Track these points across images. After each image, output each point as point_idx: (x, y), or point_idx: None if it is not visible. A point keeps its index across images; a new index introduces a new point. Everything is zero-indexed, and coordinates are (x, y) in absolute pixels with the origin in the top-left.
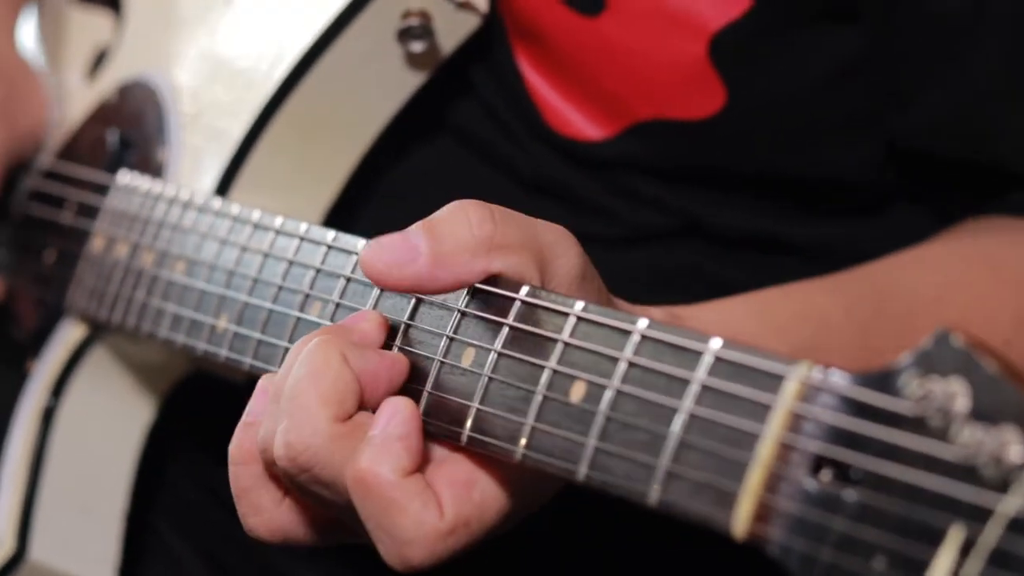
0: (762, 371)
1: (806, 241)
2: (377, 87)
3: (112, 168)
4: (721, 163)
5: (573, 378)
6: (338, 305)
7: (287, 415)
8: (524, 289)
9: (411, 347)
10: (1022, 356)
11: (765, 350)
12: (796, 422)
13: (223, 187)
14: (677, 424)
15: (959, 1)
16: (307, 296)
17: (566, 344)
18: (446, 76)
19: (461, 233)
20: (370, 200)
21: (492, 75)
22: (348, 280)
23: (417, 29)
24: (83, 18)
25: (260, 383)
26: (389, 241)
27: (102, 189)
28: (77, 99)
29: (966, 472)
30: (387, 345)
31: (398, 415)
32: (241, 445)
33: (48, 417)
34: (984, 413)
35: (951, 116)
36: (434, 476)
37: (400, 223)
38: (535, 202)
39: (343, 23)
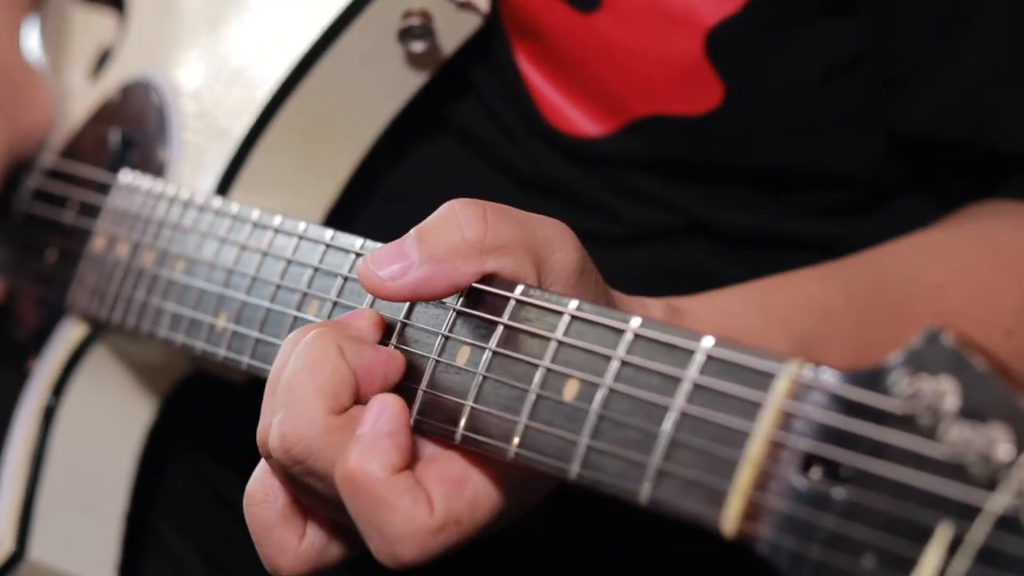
0: (753, 369)
1: (807, 238)
2: (378, 87)
3: (114, 167)
4: (721, 159)
5: (566, 377)
6: (335, 304)
7: (283, 407)
8: (519, 288)
9: (407, 346)
10: None
11: (757, 348)
12: (786, 420)
13: (224, 186)
14: (668, 422)
15: None
16: (305, 295)
17: (560, 343)
18: (447, 76)
19: (452, 238)
20: (371, 200)
21: (492, 74)
22: (345, 279)
23: (418, 29)
24: (87, 18)
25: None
26: (383, 253)
27: (104, 188)
28: (80, 99)
29: (954, 470)
30: (383, 343)
31: (386, 412)
32: (261, 481)
33: (49, 416)
34: (973, 411)
35: (951, 101)
36: (425, 473)
37: (401, 223)
38: (535, 201)
39: (344, 23)
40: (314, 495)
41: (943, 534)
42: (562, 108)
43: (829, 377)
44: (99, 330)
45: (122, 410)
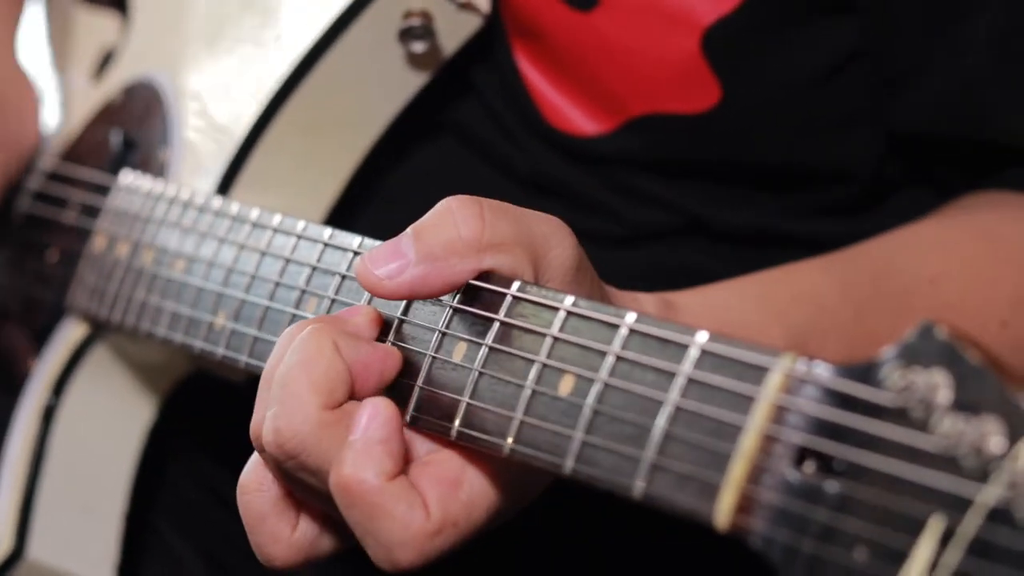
0: (746, 363)
1: (807, 237)
2: (379, 87)
3: (115, 168)
4: (719, 157)
5: (562, 372)
6: (333, 301)
7: (277, 402)
8: (515, 284)
9: (404, 342)
10: (1020, 337)
11: (751, 342)
12: (779, 414)
13: (224, 187)
14: (663, 417)
15: None
16: (303, 293)
17: (555, 339)
18: (447, 77)
19: (449, 236)
20: (371, 200)
21: (492, 74)
22: (343, 277)
23: (418, 29)
24: (90, 20)
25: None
26: (380, 251)
27: (104, 189)
28: (82, 100)
29: (946, 462)
30: (381, 340)
31: (378, 418)
32: (255, 471)
33: (48, 416)
34: (966, 404)
35: (949, 98)
36: (420, 476)
37: (401, 223)
38: (535, 201)
39: (345, 23)
40: (307, 490)
41: (935, 526)
42: (561, 107)
43: (822, 371)
44: (99, 330)
45: (122, 410)
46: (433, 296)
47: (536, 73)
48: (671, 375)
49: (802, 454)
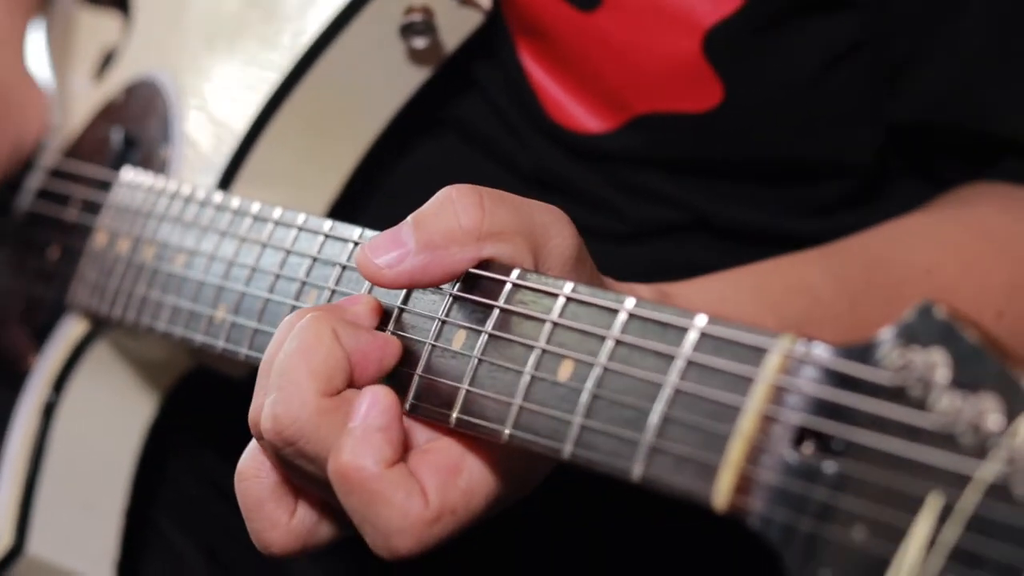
0: (746, 345)
1: (810, 234)
2: (380, 83)
3: (116, 166)
4: (723, 155)
5: (561, 357)
6: (333, 292)
7: (276, 388)
8: (514, 272)
9: (404, 331)
10: (1015, 326)
11: (750, 324)
12: (778, 395)
13: (225, 182)
14: (661, 400)
15: None
16: (303, 284)
17: (555, 324)
18: (449, 72)
19: (449, 224)
20: (374, 195)
21: (495, 70)
22: (343, 268)
23: (420, 25)
24: (91, 20)
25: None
26: (380, 240)
27: (105, 185)
28: (84, 99)
29: (945, 440)
30: (381, 329)
31: (377, 405)
32: (253, 457)
33: (49, 412)
34: (964, 382)
35: (946, 87)
36: (419, 464)
37: (403, 218)
38: (538, 197)
39: (346, 19)
40: (305, 477)
41: (933, 503)
42: (565, 104)
43: (821, 351)
44: (100, 326)
45: (122, 406)
46: (433, 285)
47: (540, 70)
48: (670, 358)
49: (801, 434)
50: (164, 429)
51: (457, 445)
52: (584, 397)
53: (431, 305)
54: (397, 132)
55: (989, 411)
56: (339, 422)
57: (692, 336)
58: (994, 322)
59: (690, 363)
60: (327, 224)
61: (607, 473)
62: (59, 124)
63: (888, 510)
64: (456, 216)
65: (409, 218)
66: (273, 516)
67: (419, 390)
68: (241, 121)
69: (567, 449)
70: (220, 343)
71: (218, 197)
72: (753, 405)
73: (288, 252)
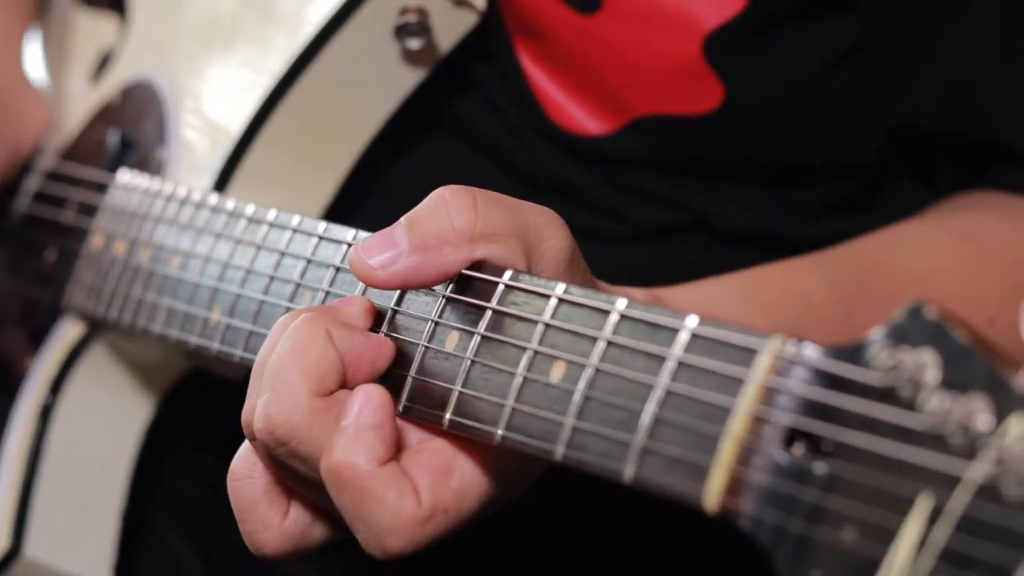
0: (736, 346)
1: (810, 237)
2: (375, 84)
3: (113, 168)
4: (723, 157)
5: (553, 359)
6: (327, 294)
7: (269, 389)
8: (507, 273)
9: (397, 333)
10: (1006, 334)
11: (740, 325)
12: (769, 395)
13: (221, 184)
14: (653, 401)
15: None
16: (298, 286)
17: (547, 325)
18: (447, 72)
19: (442, 225)
20: (370, 196)
21: (495, 71)
22: (337, 269)
23: (414, 26)
24: (88, 22)
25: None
26: (373, 241)
27: (102, 188)
28: (81, 101)
29: (934, 440)
30: (374, 331)
31: (370, 404)
32: (246, 457)
33: (46, 415)
34: (954, 383)
35: (946, 92)
36: (411, 463)
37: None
38: (537, 198)
39: (340, 20)
40: (298, 478)
41: (923, 504)
42: (565, 106)
43: (811, 352)
44: (96, 329)
45: (119, 409)
46: (426, 286)
47: (539, 72)
48: (661, 359)
49: (791, 435)
50: (161, 431)
51: (449, 446)
52: (576, 398)
53: (424, 306)
54: (395, 132)
55: (978, 411)
56: (331, 422)
57: (683, 337)
58: (984, 329)
59: (681, 364)
60: (321, 226)
61: (599, 474)
62: (56, 127)
63: (878, 511)
64: (449, 217)
65: (403, 219)
66: (266, 517)
67: (412, 391)
68: (237, 123)
69: (559, 451)
70: (215, 345)
71: (213, 199)
72: (743, 406)
73: (283, 254)
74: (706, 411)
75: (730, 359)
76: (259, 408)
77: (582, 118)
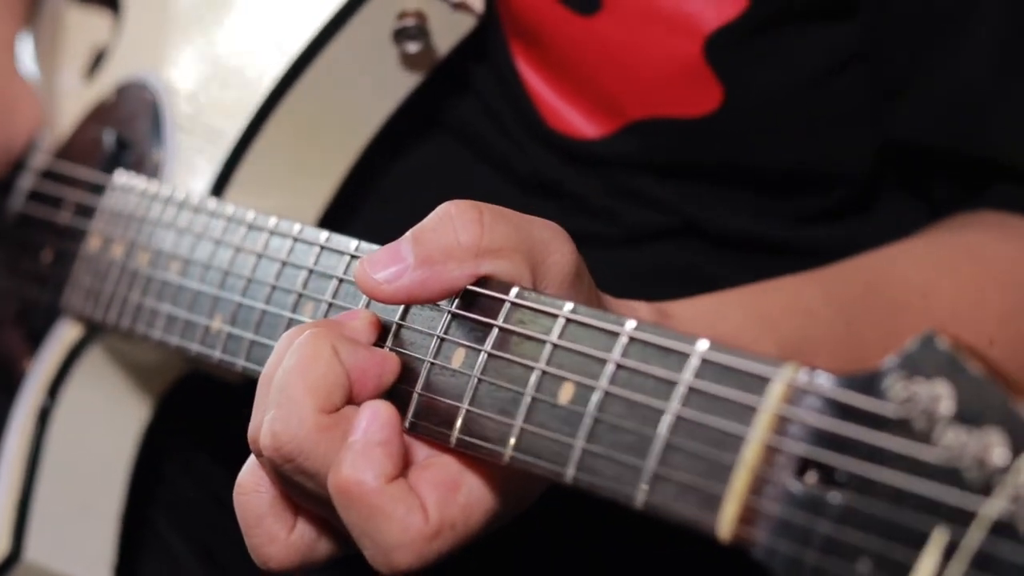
0: (748, 373)
1: (804, 242)
2: (373, 87)
3: (109, 168)
4: (719, 160)
5: (562, 379)
6: (331, 305)
7: (275, 405)
8: (513, 291)
9: (402, 347)
10: (1007, 354)
11: (752, 352)
12: (781, 424)
13: (219, 188)
14: (663, 426)
15: None
16: (300, 296)
17: (555, 346)
18: (443, 75)
19: (447, 241)
20: (367, 199)
21: (490, 74)
22: (340, 281)
23: (412, 30)
24: (81, 18)
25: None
26: (379, 256)
27: (99, 189)
28: (74, 99)
29: (949, 474)
30: (379, 345)
31: (377, 420)
32: (253, 472)
33: (44, 417)
34: (968, 415)
35: (945, 108)
36: (418, 479)
37: (397, 222)
38: (532, 201)
39: (338, 23)
40: (305, 494)
41: (939, 539)
42: (560, 109)
43: (824, 381)
44: (94, 331)
45: (118, 410)
46: (431, 301)
47: (535, 75)
48: (672, 384)
49: (804, 465)
50: (160, 432)
51: (456, 462)
52: (586, 420)
53: (429, 322)
54: (393, 135)
55: (994, 446)
56: (338, 439)
57: (694, 362)
58: (987, 349)
59: (692, 390)
60: (323, 235)
61: (610, 498)
62: (49, 124)
63: (893, 544)
64: (455, 232)
65: (408, 233)
66: (272, 531)
67: (418, 408)
68: (234, 125)
69: (570, 473)
70: (217, 354)
71: (212, 204)
72: (757, 435)
73: (284, 263)
74: (718, 438)
75: (742, 386)
76: (265, 425)
77: (577, 121)
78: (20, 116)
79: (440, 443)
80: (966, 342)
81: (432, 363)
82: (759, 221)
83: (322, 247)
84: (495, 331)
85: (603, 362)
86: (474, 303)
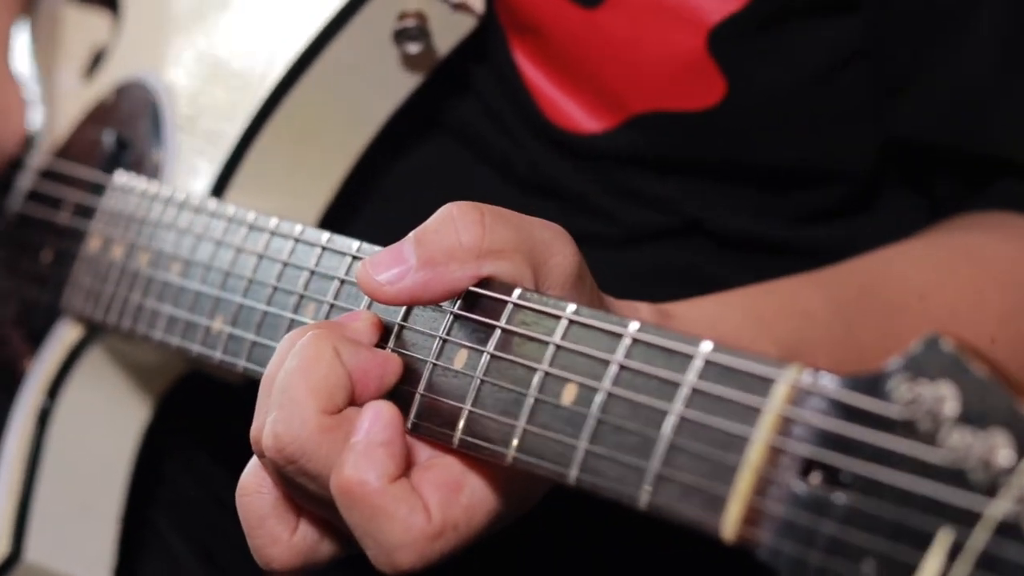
0: (752, 374)
1: (805, 242)
2: (373, 88)
3: (108, 168)
4: (721, 155)
5: (565, 380)
6: (332, 306)
7: (277, 407)
8: (516, 292)
9: (404, 348)
10: (1008, 354)
11: (755, 353)
12: (786, 425)
13: (219, 188)
14: (667, 427)
15: None
16: (301, 297)
17: (558, 347)
18: (443, 76)
19: (449, 242)
20: (367, 200)
21: (489, 72)
22: (342, 282)
23: (413, 30)
24: (80, 18)
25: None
26: (381, 257)
27: (98, 189)
28: (73, 99)
29: (954, 476)
30: (381, 346)
31: (379, 420)
32: (255, 473)
33: (44, 418)
34: (973, 417)
35: (945, 104)
36: (421, 480)
37: (397, 223)
38: (532, 201)
39: (339, 24)
40: (307, 495)
41: (943, 540)
42: (561, 104)
43: (828, 382)
44: (94, 331)
45: (118, 411)
46: (434, 302)
47: (535, 70)
48: (675, 385)
49: (808, 466)
50: (160, 432)
51: (458, 462)
52: (589, 422)
53: (431, 323)
54: (391, 135)
55: (999, 447)
56: (340, 440)
57: (697, 364)
58: (987, 349)
59: (695, 391)
60: (324, 236)
61: (613, 499)
62: (45, 125)
63: (898, 545)
64: (457, 233)
65: (411, 235)
66: (274, 532)
67: (421, 409)
68: (234, 126)
69: (572, 474)
70: (218, 354)
71: (212, 204)
72: (761, 435)
73: (285, 264)
74: (722, 439)
75: (746, 387)
76: (267, 426)
77: (579, 116)
78: (11, 116)
79: (442, 444)
80: (970, 344)
81: (434, 364)
82: (760, 220)
83: (323, 248)
84: (497, 332)
85: (606, 363)
86: (476, 304)
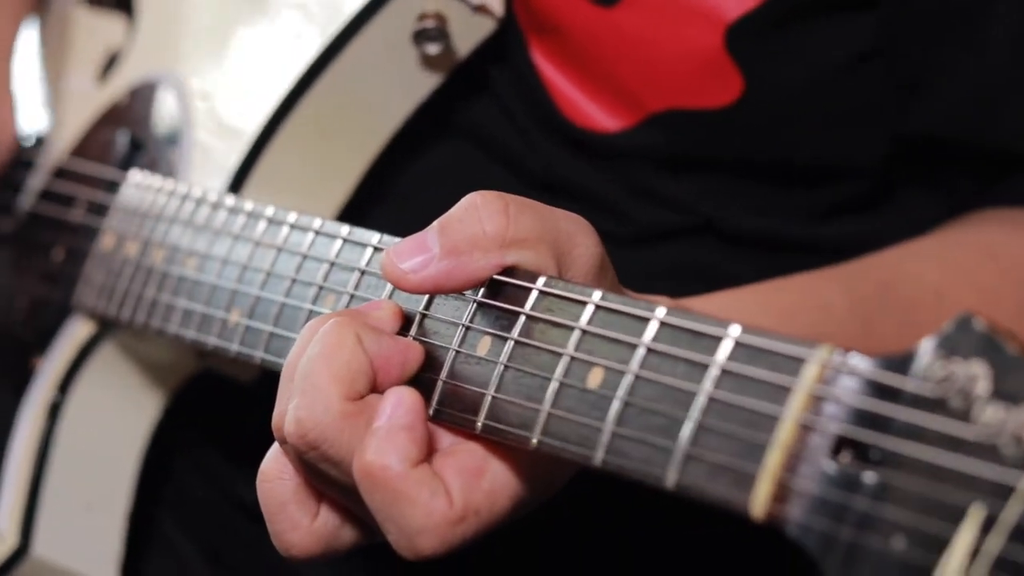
0: (782, 354)
1: (820, 240)
2: (392, 89)
3: (122, 168)
4: (737, 153)
5: (591, 365)
6: (352, 297)
7: (299, 393)
8: (541, 279)
9: (426, 336)
10: None
11: (785, 335)
12: (816, 404)
13: (235, 187)
14: (696, 408)
15: None
16: (321, 289)
17: (584, 332)
18: (461, 77)
19: (473, 231)
20: (381, 200)
21: (507, 71)
22: (363, 273)
23: (433, 31)
24: (93, 21)
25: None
26: (405, 245)
27: (112, 187)
28: (87, 101)
29: (987, 451)
30: (403, 334)
31: (402, 405)
32: (276, 459)
33: (54, 413)
34: (1005, 393)
35: (962, 101)
36: (443, 465)
37: (412, 223)
38: (547, 201)
39: (359, 24)
40: (329, 482)
41: (976, 514)
42: (579, 103)
43: (859, 361)
44: (106, 328)
45: (128, 408)
46: (457, 291)
47: (553, 69)
48: (704, 367)
49: (839, 444)
50: (169, 430)
51: (480, 448)
52: (615, 404)
53: (454, 311)
54: (409, 136)
55: None
56: (362, 426)
57: (727, 345)
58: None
59: (724, 372)
60: (344, 229)
61: (640, 480)
62: (53, 125)
63: (930, 520)
64: (481, 222)
65: (435, 223)
66: (295, 518)
67: (443, 395)
68: (251, 125)
69: (598, 456)
70: (234, 346)
71: (230, 200)
72: (791, 414)
73: (304, 256)
74: (752, 418)
75: (776, 367)
76: (290, 412)
77: (597, 115)
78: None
79: (465, 430)
80: (1002, 323)
81: (457, 351)
82: (775, 218)
83: (344, 240)
84: (522, 319)
85: (633, 347)
86: (500, 292)
